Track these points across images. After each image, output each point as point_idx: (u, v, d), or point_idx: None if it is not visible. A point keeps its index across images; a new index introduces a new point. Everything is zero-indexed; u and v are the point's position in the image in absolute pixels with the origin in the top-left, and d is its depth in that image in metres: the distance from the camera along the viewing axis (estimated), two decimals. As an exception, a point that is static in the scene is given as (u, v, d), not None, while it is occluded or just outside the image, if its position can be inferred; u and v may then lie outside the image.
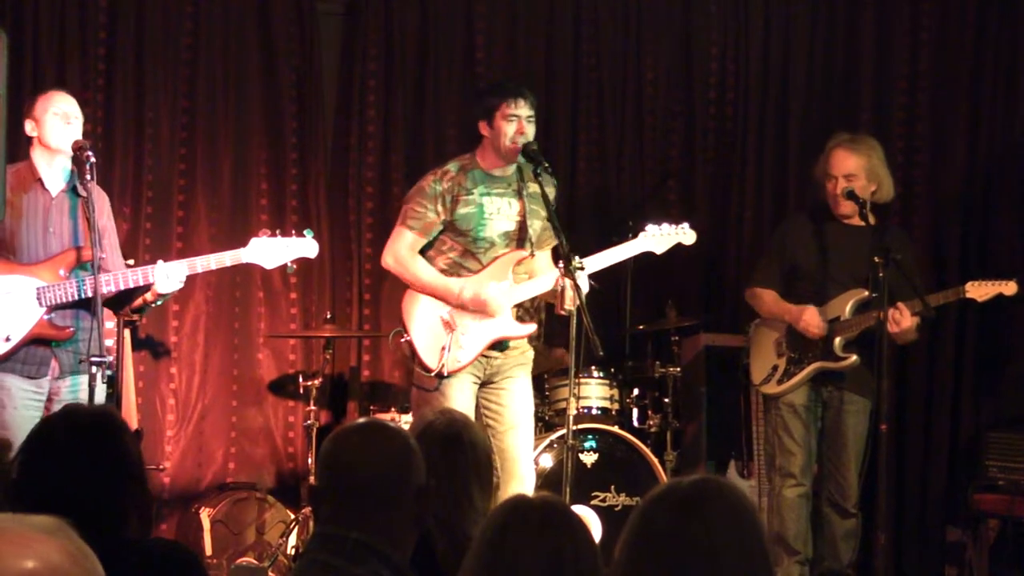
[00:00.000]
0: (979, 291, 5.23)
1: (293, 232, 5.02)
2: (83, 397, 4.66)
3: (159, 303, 5.13)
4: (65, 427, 2.58)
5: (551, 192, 4.97)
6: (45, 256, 4.74)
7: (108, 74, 6.34)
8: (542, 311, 5.98)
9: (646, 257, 5.21)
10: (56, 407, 4.64)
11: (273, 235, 4.96)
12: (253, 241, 4.93)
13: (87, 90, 6.29)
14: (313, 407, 5.97)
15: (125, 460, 2.55)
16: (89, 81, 6.30)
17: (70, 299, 4.69)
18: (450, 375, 4.96)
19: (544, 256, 5.10)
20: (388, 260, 5.07)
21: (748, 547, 1.83)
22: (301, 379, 6.10)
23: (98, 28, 6.32)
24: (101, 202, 4.86)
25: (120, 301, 4.91)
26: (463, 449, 3.12)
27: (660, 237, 5.10)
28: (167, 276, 4.75)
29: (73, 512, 1.60)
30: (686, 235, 5.14)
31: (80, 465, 2.49)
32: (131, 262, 5.25)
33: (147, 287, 4.81)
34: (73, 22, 6.27)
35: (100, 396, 4.62)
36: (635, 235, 5.17)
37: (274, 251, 4.94)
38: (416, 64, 6.60)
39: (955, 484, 6.28)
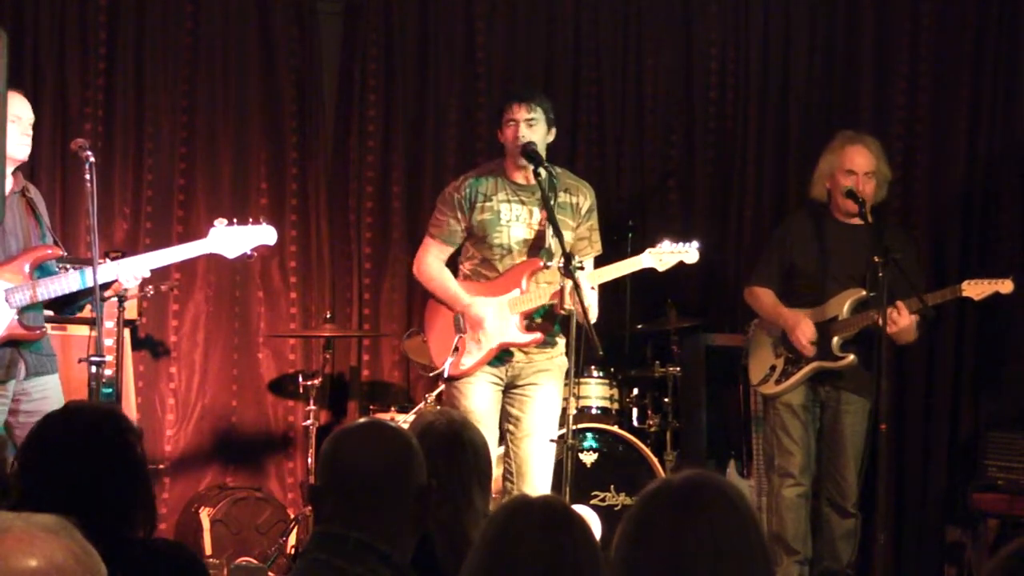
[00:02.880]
0: (976, 289, 5.23)
1: (250, 220, 4.95)
2: (51, 397, 4.60)
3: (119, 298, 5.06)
4: (69, 425, 2.56)
5: (577, 199, 5.01)
6: (5, 257, 4.61)
7: (108, 74, 6.34)
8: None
9: (647, 257, 5.20)
10: (24, 408, 4.58)
11: (231, 223, 4.86)
12: (212, 231, 4.85)
13: (87, 90, 6.30)
14: (313, 407, 5.97)
15: (130, 458, 2.53)
16: (89, 81, 6.30)
17: (55, 295, 4.60)
18: (451, 378, 4.98)
19: (586, 264, 4.95)
20: (413, 267, 5.21)
21: (748, 540, 1.82)
22: (301, 379, 6.10)
23: (98, 28, 6.32)
24: (41, 201, 4.82)
25: (70, 301, 4.74)
26: (463, 449, 3.12)
27: (663, 255, 5.07)
28: (131, 272, 4.66)
29: (77, 511, 1.60)
30: (688, 254, 5.09)
31: (84, 463, 2.47)
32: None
33: (106, 286, 4.68)
34: (73, 22, 6.28)
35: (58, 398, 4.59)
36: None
37: (234, 240, 4.85)
38: (416, 64, 6.60)
39: (955, 484, 6.28)
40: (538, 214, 4.99)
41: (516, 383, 5.00)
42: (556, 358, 5.04)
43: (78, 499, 2.38)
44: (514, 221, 4.98)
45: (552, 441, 4.96)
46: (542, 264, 4.93)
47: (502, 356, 4.99)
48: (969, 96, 6.49)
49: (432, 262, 5.09)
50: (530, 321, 5.00)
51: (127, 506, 2.49)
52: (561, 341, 5.05)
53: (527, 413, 4.97)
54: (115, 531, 2.41)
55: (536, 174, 4.90)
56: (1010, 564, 1.77)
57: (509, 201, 4.99)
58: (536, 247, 4.99)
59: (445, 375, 4.99)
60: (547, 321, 5.02)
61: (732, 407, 6.28)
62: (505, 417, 5.00)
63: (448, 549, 2.90)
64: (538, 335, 4.98)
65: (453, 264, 5.16)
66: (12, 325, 4.57)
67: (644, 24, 6.70)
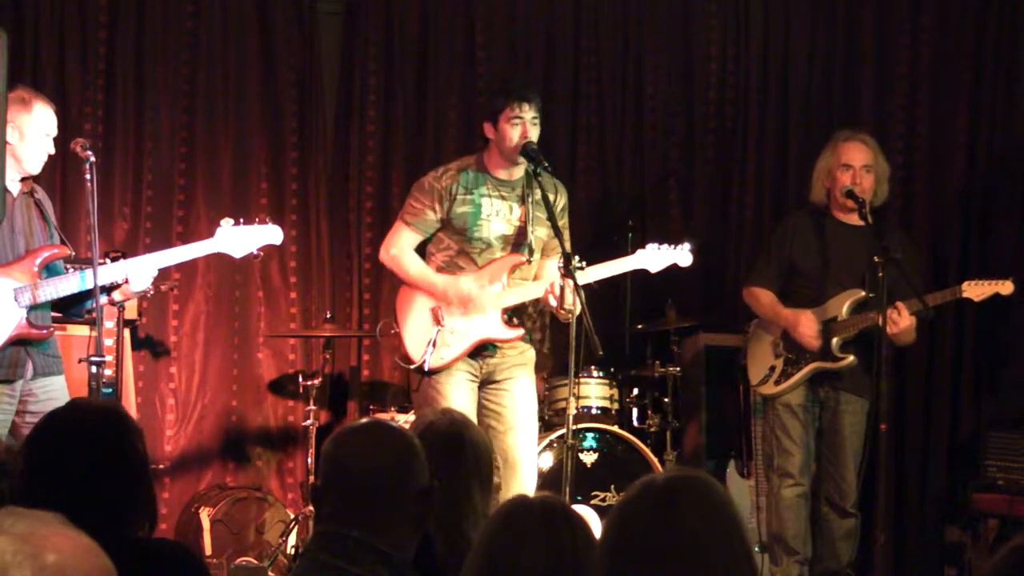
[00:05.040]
0: (976, 291, 5.23)
1: (256, 220, 4.96)
2: (58, 398, 4.58)
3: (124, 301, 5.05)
4: (73, 423, 2.55)
5: (554, 197, 4.98)
6: (14, 257, 4.62)
7: (108, 74, 6.34)
8: (547, 315, 5.99)
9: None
10: (31, 408, 4.58)
11: (237, 223, 4.88)
12: (219, 231, 4.87)
13: (87, 90, 6.30)
14: (313, 407, 5.97)
15: (131, 457, 2.52)
16: (89, 81, 6.31)
17: (60, 295, 4.60)
18: (431, 371, 4.97)
19: (551, 264, 5.00)
20: (382, 253, 5.18)
21: (730, 538, 1.83)
22: (301, 379, 6.11)
23: (98, 28, 6.33)
24: (49, 202, 4.83)
25: (76, 302, 4.74)
26: (464, 450, 3.12)
27: (656, 256, 5.08)
28: (138, 273, 4.67)
29: (78, 508, 1.60)
30: (682, 256, 5.10)
31: (87, 461, 2.46)
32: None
33: (114, 286, 4.71)
34: (73, 22, 6.28)
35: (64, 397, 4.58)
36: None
37: (240, 239, 4.87)
38: (416, 64, 6.60)
39: (954, 484, 6.28)
40: (518, 210, 5.00)
41: (492, 379, 5.03)
42: (526, 352, 5.10)
43: (79, 497, 2.38)
44: (494, 216, 4.99)
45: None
46: (525, 259, 4.95)
47: (479, 351, 5.00)
48: (969, 96, 6.49)
49: (406, 248, 5.06)
50: (510, 316, 5.02)
51: (128, 505, 2.49)
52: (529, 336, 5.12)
53: (508, 406, 5.00)
54: (115, 530, 2.41)
55: (536, 174, 4.91)
56: (1011, 562, 1.77)
57: (490, 196, 4.99)
58: (516, 243, 5.00)
59: (426, 368, 4.96)
60: (521, 317, 5.06)
61: (732, 407, 6.28)
62: (485, 414, 5.01)
63: (448, 549, 2.90)
64: (521, 331, 5.01)
65: (422, 254, 5.13)
66: (21, 324, 4.57)
67: (644, 24, 6.70)
